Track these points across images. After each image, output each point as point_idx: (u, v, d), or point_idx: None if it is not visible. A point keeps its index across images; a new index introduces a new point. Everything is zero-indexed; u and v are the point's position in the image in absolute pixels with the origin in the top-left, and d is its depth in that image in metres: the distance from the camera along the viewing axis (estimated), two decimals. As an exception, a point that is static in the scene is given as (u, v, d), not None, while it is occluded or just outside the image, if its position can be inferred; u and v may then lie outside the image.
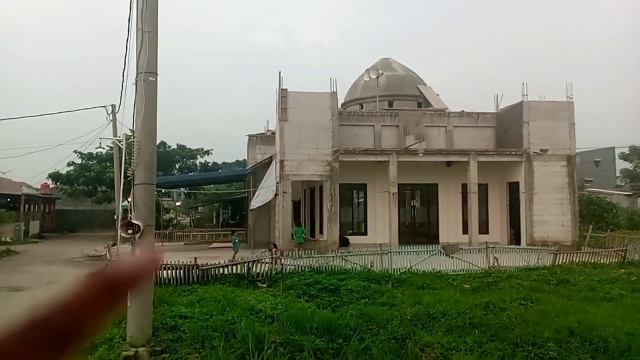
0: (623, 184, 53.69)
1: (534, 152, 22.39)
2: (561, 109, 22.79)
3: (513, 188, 23.42)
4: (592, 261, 16.96)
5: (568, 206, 22.37)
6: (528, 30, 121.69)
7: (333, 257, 15.62)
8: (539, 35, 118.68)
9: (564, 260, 16.67)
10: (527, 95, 22.77)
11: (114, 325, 9.11)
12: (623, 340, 8.44)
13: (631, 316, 10.14)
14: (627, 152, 53.26)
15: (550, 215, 22.06)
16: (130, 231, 7.04)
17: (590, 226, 23.50)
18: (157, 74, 7.39)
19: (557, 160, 22.54)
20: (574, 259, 17.00)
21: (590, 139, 47.48)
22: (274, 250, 16.59)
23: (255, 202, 22.96)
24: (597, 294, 12.38)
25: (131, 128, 7.33)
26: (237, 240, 20.25)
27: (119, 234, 9.25)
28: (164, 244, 27.90)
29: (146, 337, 7.67)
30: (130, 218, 7.09)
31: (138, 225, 6.97)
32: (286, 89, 21.18)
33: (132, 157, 7.20)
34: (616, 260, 17.31)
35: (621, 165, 55.80)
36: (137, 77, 7.31)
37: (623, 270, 15.50)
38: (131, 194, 7.12)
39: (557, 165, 22.51)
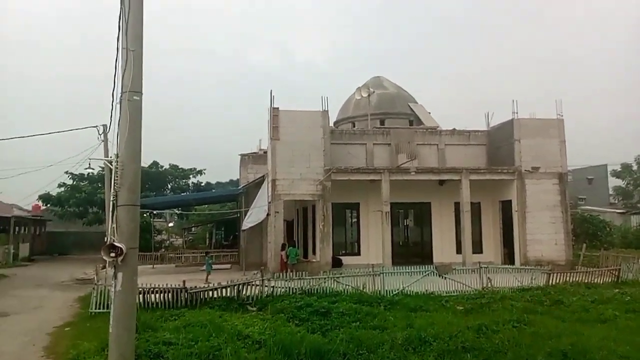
0: (616, 201, 53.86)
1: (525, 170, 22.40)
2: (551, 126, 22.89)
3: (506, 206, 23.36)
4: (586, 281, 16.82)
5: (561, 224, 22.29)
6: (519, 43, 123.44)
7: (324, 278, 15.40)
8: (529, 48, 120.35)
9: (557, 280, 16.53)
10: (517, 113, 22.89)
11: (96, 353, 8.86)
12: (617, 364, 8.26)
13: (625, 338, 9.96)
14: (619, 169, 53.55)
15: (544, 234, 21.95)
16: (112, 254, 6.85)
17: (584, 245, 23.43)
18: (141, 93, 7.31)
19: (549, 178, 22.54)
20: (568, 278, 16.86)
21: (583, 155, 47.62)
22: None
23: (247, 223, 22.75)
24: (591, 315, 12.21)
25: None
26: (209, 262, 20.15)
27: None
28: (155, 266, 27.57)
29: (128, 365, 7.41)
30: (113, 240, 6.90)
31: (121, 248, 6.80)
32: (277, 108, 21.18)
33: (115, 178, 7.06)
34: (610, 280, 17.18)
35: (614, 182, 56.07)
36: (121, 96, 7.24)
37: (617, 290, 15.34)
38: (114, 215, 6.95)
39: (549, 183, 22.50)
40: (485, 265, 16.79)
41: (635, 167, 54.61)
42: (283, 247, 20.62)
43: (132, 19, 7.19)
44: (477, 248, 23.02)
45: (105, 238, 7.55)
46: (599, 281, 17.02)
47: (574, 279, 16.87)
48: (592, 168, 49.32)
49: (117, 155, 7.20)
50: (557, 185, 22.63)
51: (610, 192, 55.60)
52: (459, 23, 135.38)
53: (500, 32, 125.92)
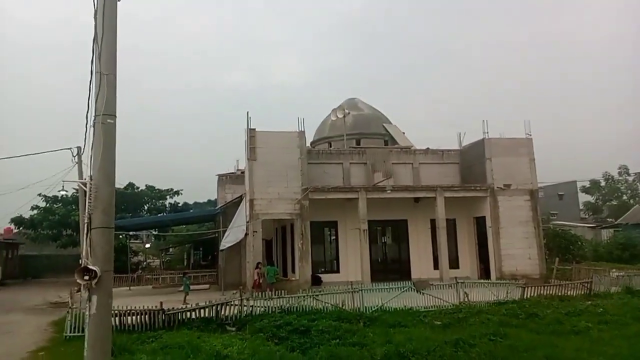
0: (586, 216, 55.27)
1: (497, 187, 22.93)
2: (521, 145, 23.59)
3: (480, 222, 23.79)
4: (559, 294, 17.21)
5: (534, 239, 22.81)
6: (491, 68, 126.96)
7: (304, 296, 15.38)
8: (503, 72, 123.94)
9: (532, 294, 16.87)
10: (487, 132, 23.52)
11: (70, 378, 8.68)
12: (590, 374, 8.47)
13: (598, 349, 10.22)
14: (588, 185, 55.13)
15: (517, 248, 22.41)
16: (86, 277, 6.76)
17: (557, 258, 23.93)
18: (115, 116, 7.29)
19: (521, 195, 23.12)
20: (542, 292, 17.22)
21: (554, 174, 49.00)
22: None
23: (226, 242, 22.59)
24: (565, 327, 12.48)
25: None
26: (187, 283, 20.01)
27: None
28: (131, 288, 27.06)
29: (104, 390, 7.27)
30: (87, 263, 6.83)
31: (95, 271, 6.72)
32: (254, 129, 21.32)
33: (89, 201, 7.01)
34: (582, 292, 17.60)
35: (584, 198, 57.67)
36: (94, 119, 7.23)
37: (589, 302, 15.74)
38: (87, 238, 6.89)
39: (521, 199, 23.07)
40: (462, 281, 17.04)
41: (603, 184, 56.34)
42: (257, 266, 20.41)
43: (106, 43, 7.21)
44: (454, 263, 23.31)
45: (80, 260, 7.45)
46: (572, 294, 17.43)
47: (547, 292, 17.24)
48: (563, 184, 50.60)
49: (90, 178, 7.17)
50: (529, 202, 23.21)
51: (581, 208, 57.11)
52: (432, 48, 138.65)
53: (472, 56, 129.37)
